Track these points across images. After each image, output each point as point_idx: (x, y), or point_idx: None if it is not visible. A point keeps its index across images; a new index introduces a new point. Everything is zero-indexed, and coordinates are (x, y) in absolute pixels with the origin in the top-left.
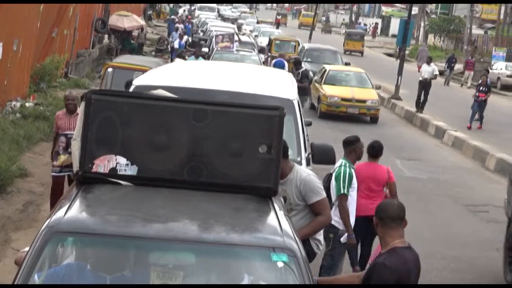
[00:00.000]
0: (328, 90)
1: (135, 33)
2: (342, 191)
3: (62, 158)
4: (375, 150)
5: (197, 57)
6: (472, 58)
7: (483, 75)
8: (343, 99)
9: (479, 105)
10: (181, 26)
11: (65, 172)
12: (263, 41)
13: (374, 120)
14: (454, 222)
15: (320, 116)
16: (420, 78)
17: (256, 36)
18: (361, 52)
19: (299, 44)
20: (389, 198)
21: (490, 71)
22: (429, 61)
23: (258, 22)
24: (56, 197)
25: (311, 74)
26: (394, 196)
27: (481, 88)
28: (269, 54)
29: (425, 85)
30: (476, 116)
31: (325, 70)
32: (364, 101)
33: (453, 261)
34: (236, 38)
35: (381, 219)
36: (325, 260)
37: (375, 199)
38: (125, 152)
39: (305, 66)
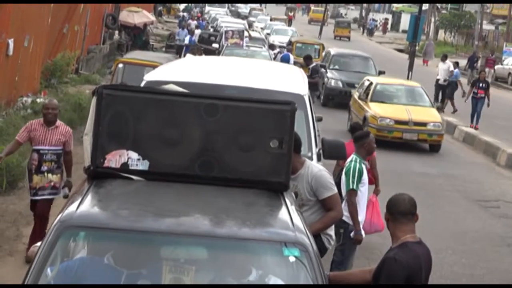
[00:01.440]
0: (377, 109)
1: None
2: (351, 186)
3: (36, 179)
4: (355, 130)
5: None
6: (493, 55)
7: (481, 70)
8: (398, 122)
9: (478, 103)
10: (194, 22)
11: (41, 196)
12: (275, 40)
13: (435, 148)
14: (465, 218)
15: None
16: (438, 77)
17: (268, 34)
18: (348, 37)
19: (323, 48)
20: (370, 171)
21: (501, 66)
22: (444, 58)
23: (271, 19)
24: (36, 226)
25: (322, 69)
26: (374, 168)
27: (480, 84)
28: (278, 50)
29: (442, 86)
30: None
31: (370, 84)
32: (424, 124)
33: (464, 256)
34: (246, 34)
35: (392, 214)
36: (336, 255)
37: None
38: (137, 147)
39: (332, 74)
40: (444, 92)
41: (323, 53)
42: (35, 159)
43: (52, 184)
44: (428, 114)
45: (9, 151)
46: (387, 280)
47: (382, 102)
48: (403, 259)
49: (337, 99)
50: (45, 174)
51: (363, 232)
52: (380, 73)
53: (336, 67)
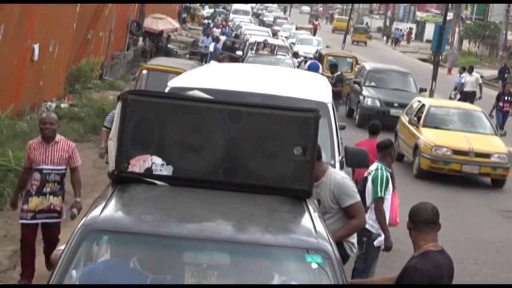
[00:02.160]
0: (431, 137)
1: (172, 36)
2: (379, 194)
3: (35, 201)
4: (375, 128)
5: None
6: None
7: (507, 83)
8: (456, 152)
9: (503, 116)
10: (218, 30)
11: (39, 219)
12: (300, 50)
13: (498, 183)
14: (488, 228)
15: (418, 175)
16: (465, 89)
17: (293, 44)
18: (365, 42)
19: (357, 62)
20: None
21: None
22: (470, 70)
23: (297, 28)
24: (27, 253)
25: (355, 85)
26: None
27: (505, 97)
28: (302, 58)
29: (469, 95)
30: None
31: (422, 106)
32: (487, 156)
33: (486, 267)
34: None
35: (414, 223)
36: (358, 263)
37: None
38: (161, 152)
39: (368, 92)
40: (471, 102)
41: (356, 68)
42: (36, 179)
43: (52, 207)
44: (491, 144)
45: (22, 183)
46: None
47: (437, 128)
48: (424, 268)
49: (374, 119)
50: (47, 196)
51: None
52: (421, 90)
53: (372, 83)
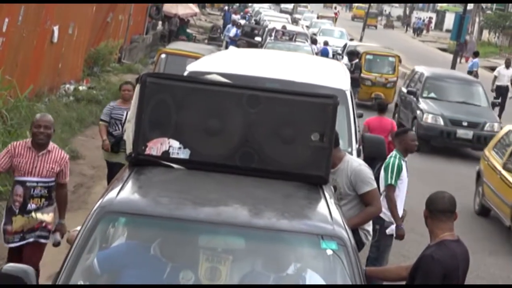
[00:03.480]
0: None
1: (191, 21)
2: (389, 182)
3: (20, 221)
4: (382, 107)
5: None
6: None
7: None
8: None
9: None
10: (237, 16)
11: (28, 239)
12: (322, 41)
13: None
14: (506, 220)
15: None
16: (498, 83)
17: (314, 34)
18: (375, 26)
19: (399, 61)
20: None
21: None
22: (508, 64)
23: (318, 17)
24: None
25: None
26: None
27: None
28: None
29: (503, 90)
30: None
31: None
32: None
33: (502, 258)
34: (295, 37)
35: (431, 212)
36: (371, 251)
37: None
38: (178, 135)
39: (427, 106)
40: (504, 98)
41: (400, 68)
42: (19, 194)
43: (43, 224)
44: None
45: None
46: (424, 278)
47: None
48: (441, 257)
49: (437, 143)
50: (33, 214)
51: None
52: (494, 105)
53: (432, 94)
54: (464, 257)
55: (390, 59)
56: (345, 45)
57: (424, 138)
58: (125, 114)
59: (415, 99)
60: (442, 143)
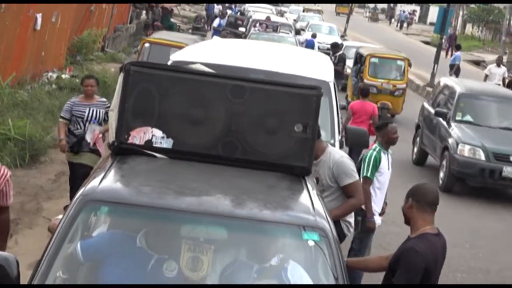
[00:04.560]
0: None
1: (175, 11)
2: (364, 174)
3: None
4: (365, 92)
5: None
6: None
7: None
8: None
9: None
10: (218, 7)
11: None
12: (309, 36)
13: None
14: (488, 216)
15: None
16: (489, 82)
17: (302, 30)
18: (347, 14)
19: (409, 65)
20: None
21: None
22: (499, 62)
23: (304, 10)
24: None
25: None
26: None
27: None
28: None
29: None
30: None
31: None
32: None
33: (481, 251)
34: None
35: (419, 202)
36: (354, 243)
37: (363, 125)
38: (162, 125)
39: (462, 132)
40: None
41: (409, 74)
42: None
43: None
44: None
45: None
46: (406, 270)
47: None
48: (423, 250)
49: (476, 182)
50: None
51: (378, 220)
52: None
53: (468, 117)
54: (442, 250)
55: (398, 62)
56: (337, 45)
57: (458, 175)
58: (87, 112)
59: (445, 122)
60: (482, 183)
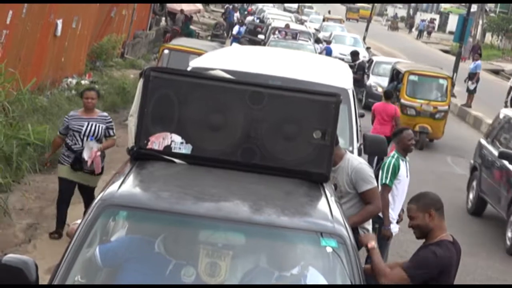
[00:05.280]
0: None
1: (195, 18)
2: (383, 181)
3: None
4: (388, 94)
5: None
6: None
7: None
8: None
9: None
10: (236, 14)
11: None
12: (336, 50)
13: None
14: (504, 224)
15: None
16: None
17: (325, 41)
18: (357, 20)
19: (452, 84)
20: (395, 127)
21: None
22: None
23: (324, 20)
24: None
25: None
26: (398, 125)
27: None
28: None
29: None
30: None
31: None
32: None
33: (499, 261)
34: (298, 36)
35: (438, 210)
36: None
37: (386, 126)
38: (181, 130)
39: None
40: None
41: (501, 122)
42: None
43: None
44: None
45: None
46: (419, 265)
47: None
48: (442, 254)
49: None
50: None
51: (396, 228)
52: None
53: None
54: (457, 257)
55: (440, 81)
56: (357, 53)
57: None
58: (85, 126)
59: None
60: None
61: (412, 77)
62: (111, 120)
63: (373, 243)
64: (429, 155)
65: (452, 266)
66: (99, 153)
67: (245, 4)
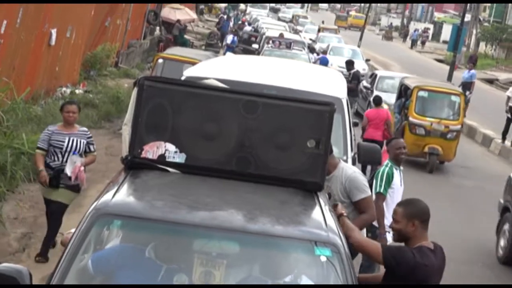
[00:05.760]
0: None
1: (189, 27)
2: (378, 190)
3: None
4: (377, 101)
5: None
6: None
7: None
8: None
9: None
10: (231, 23)
11: None
12: (335, 64)
13: None
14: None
15: None
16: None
17: (322, 53)
18: (345, 27)
19: (465, 102)
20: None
21: None
22: None
23: (320, 30)
24: None
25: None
26: (389, 128)
27: None
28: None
29: None
30: None
31: None
32: None
33: (495, 270)
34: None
35: (423, 222)
36: (364, 259)
37: (378, 129)
38: (175, 139)
39: None
40: None
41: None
42: None
43: None
44: None
45: None
46: (397, 251)
47: None
48: (419, 261)
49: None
50: None
51: (389, 238)
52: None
53: None
54: (441, 264)
55: (453, 98)
56: (352, 62)
57: None
58: (66, 141)
59: None
60: None
61: (421, 93)
62: (91, 135)
63: (342, 211)
64: (439, 179)
65: (430, 277)
66: (82, 168)
67: (239, 14)
